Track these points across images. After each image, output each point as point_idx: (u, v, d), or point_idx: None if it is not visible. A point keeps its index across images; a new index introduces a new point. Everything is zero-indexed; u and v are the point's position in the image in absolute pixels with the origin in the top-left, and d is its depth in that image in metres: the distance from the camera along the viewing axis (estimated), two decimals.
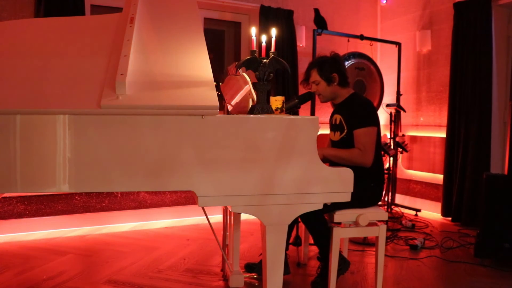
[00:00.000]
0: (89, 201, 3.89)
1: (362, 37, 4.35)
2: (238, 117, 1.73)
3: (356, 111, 2.51)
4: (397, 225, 4.05)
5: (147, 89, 1.68)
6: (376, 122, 2.50)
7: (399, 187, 4.93)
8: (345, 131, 2.53)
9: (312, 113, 4.09)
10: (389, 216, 4.09)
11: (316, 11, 4.19)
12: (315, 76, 2.62)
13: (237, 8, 4.61)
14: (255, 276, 2.73)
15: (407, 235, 3.68)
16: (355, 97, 2.62)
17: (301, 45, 4.76)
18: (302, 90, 4.06)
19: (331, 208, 2.32)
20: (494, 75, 4.08)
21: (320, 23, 4.13)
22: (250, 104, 2.11)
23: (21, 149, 1.59)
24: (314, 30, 4.04)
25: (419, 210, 4.55)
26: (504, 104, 4.21)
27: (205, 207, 2.14)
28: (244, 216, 3.56)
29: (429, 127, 4.72)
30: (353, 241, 3.48)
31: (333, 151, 2.45)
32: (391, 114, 4.41)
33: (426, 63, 4.77)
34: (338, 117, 2.60)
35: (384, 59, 5.23)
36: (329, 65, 2.58)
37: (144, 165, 1.64)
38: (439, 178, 4.52)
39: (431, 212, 4.61)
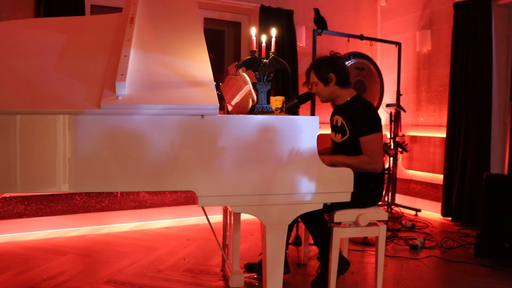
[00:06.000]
0: (89, 201, 3.89)
1: (362, 37, 4.35)
2: (238, 117, 1.73)
3: (361, 118, 2.48)
4: (397, 225, 4.05)
5: (147, 89, 1.69)
6: (380, 127, 2.50)
7: (399, 187, 4.93)
8: (347, 135, 2.52)
9: (312, 113, 4.09)
10: (389, 216, 4.09)
11: (316, 11, 4.18)
12: (313, 77, 2.62)
13: (237, 8, 4.61)
14: (255, 276, 2.73)
15: (407, 235, 3.68)
16: (357, 100, 2.58)
17: (301, 45, 4.76)
18: (302, 90, 4.05)
19: (331, 208, 2.32)
20: (494, 75, 4.08)
21: (320, 23, 4.13)
22: (250, 104, 2.11)
23: (21, 149, 1.59)
24: (314, 30, 4.04)
25: (419, 210, 4.55)
26: (504, 104, 4.21)
27: (205, 207, 2.15)
28: (244, 216, 3.56)
29: (429, 127, 4.72)
30: (353, 241, 3.48)
31: (341, 159, 2.42)
32: (391, 114, 4.41)
33: (426, 63, 4.77)
34: (339, 118, 2.59)
35: (384, 59, 5.23)
36: (325, 66, 2.56)
37: (144, 165, 1.64)
38: (439, 178, 4.52)
39: (431, 212, 4.61)
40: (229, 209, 2.03)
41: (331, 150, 2.76)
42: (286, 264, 2.67)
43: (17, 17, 3.63)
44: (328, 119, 2.86)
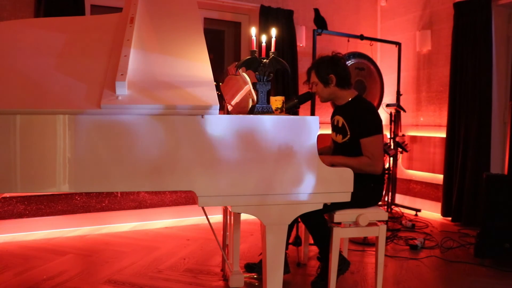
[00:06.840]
0: (89, 201, 3.89)
1: (362, 37, 4.35)
2: (238, 117, 1.73)
3: (362, 119, 2.47)
4: (397, 225, 4.05)
5: (147, 89, 1.69)
6: (381, 129, 2.50)
7: (399, 187, 4.93)
8: (348, 136, 2.51)
9: (312, 113, 4.09)
10: (389, 216, 4.09)
11: (316, 11, 4.18)
12: (313, 77, 2.61)
13: (237, 8, 4.61)
14: (255, 276, 2.73)
15: (407, 235, 3.68)
16: (358, 101, 2.57)
17: (301, 45, 4.76)
18: (302, 90, 4.05)
19: (331, 208, 2.32)
20: (494, 75, 4.08)
21: (320, 23, 4.13)
22: (250, 104, 2.11)
23: (21, 149, 1.59)
24: (314, 30, 4.04)
25: (419, 210, 4.55)
26: (504, 104, 4.21)
27: (205, 207, 2.15)
28: (244, 216, 3.56)
29: (429, 127, 4.72)
30: (353, 241, 3.48)
31: (342, 160, 2.41)
32: (391, 114, 4.41)
33: (426, 63, 4.77)
34: (340, 119, 2.58)
35: (384, 59, 5.23)
36: (325, 67, 2.55)
37: (144, 165, 1.64)
38: (439, 178, 4.52)
39: (431, 212, 4.61)
40: (229, 209, 2.03)
41: (332, 150, 2.76)
42: (286, 264, 2.67)
43: (17, 17, 3.63)
44: (328, 119, 2.86)
